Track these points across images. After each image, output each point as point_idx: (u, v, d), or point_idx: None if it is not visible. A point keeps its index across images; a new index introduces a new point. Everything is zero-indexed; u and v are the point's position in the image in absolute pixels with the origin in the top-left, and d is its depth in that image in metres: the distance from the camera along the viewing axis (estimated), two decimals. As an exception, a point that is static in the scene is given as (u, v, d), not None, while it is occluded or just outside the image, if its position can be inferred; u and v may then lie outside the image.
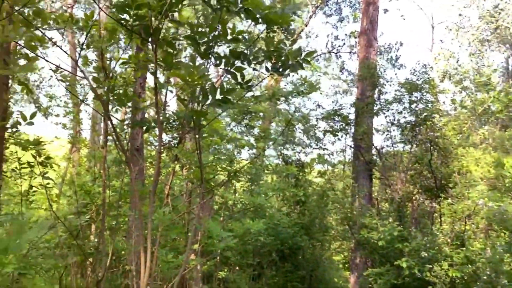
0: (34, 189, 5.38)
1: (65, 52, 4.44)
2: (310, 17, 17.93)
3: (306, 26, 18.12)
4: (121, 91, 4.43)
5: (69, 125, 14.07)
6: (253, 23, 3.45)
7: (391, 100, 11.43)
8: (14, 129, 5.10)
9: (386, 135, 11.88)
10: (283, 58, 3.14)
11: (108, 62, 5.07)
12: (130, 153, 5.22)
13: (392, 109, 11.51)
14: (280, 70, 3.27)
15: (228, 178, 6.66)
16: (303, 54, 3.14)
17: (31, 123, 4.69)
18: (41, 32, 3.67)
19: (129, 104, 5.04)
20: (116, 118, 5.38)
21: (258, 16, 3.16)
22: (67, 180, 12.59)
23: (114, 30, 3.79)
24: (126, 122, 6.72)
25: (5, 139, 4.94)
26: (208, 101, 3.09)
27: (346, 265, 13.35)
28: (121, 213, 6.31)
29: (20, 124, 4.80)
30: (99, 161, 10.41)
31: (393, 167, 11.69)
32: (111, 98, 4.02)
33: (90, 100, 14.47)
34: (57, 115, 12.89)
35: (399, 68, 13.46)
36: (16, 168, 4.84)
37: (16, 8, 3.46)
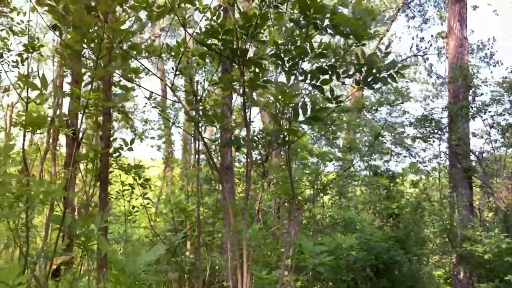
0: (135, 209, 5.78)
1: (160, 79, 4.73)
2: (392, 21, 17.32)
3: (388, 31, 17.54)
4: (210, 113, 4.63)
5: (163, 147, 15.00)
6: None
7: (488, 102, 10.56)
8: (117, 154, 5.54)
9: (486, 139, 10.97)
10: (374, 71, 3.05)
11: (197, 85, 5.33)
12: (221, 171, 5.39)
13: (490, 111, 10.63)
14: (371, 83, 3.17)
15: (317, 193, 6.57)
16: (397, 67, 3.03)
17: (131, 149, 5.07)
18: (139, 62, 3.97)
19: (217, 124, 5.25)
20: (208, 139, 5.59)
21: (346, 31, 3.12)
22: (162, 199, 13.33)
23: (203, 55, 3.96)
24: (217, 142, 6.97)
25: (110, 164, 5.37)
26: (299, 119, 3.09)
27: (448, 281, 12.44)
28: (215, 230, 6.51)
29: (122, 149, 5.21)
30: (192, 179, 10.90)
31: (496, 173, 10.75)
32: (202, 119, 4.20)
33: (181, 122, 15.33)
34: (152, 138, 13.80)
35: (494, 66, 12.45)
36: (119, 190, 5.24)
37: (114, 44, 3.78)
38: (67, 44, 3.25)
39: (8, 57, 5.49)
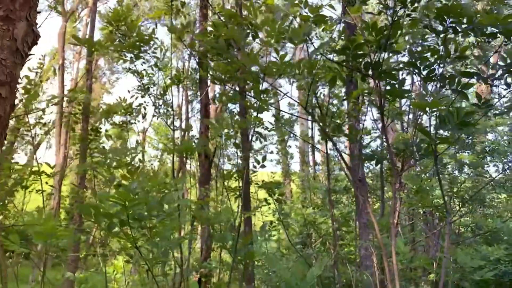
0: (273, 224, 6.02)
1: (295, 100, 4.89)
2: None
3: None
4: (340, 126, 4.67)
5: (281, 160, 15.41)
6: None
7: None
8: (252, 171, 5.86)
9: None
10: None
11: (316, 99, 5.40)
12: (354, 183, 5.36)
13: None
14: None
15: (462, 203, 6.15)
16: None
17: (263, 166, 5.34)
18: (274, 87, 4.20)
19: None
20: (346, 153, 5.62)
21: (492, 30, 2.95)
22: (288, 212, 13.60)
23: (334, 77, 4.02)
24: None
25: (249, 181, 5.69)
26: (449, 126, 2.96)
27: None
28: (348, 243, 6.45)
29: (255, 167, 5.51)
30: (314, 191, 10.96)
31: None
32: (336, 133, 4.26)
33: (297, 136, 15.61)
34: (271, 152, 14.24)
35: None
36: (258, 206, 5.52)
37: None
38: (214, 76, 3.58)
39: (153, 90, 6.18)
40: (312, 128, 14.00)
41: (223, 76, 3.66)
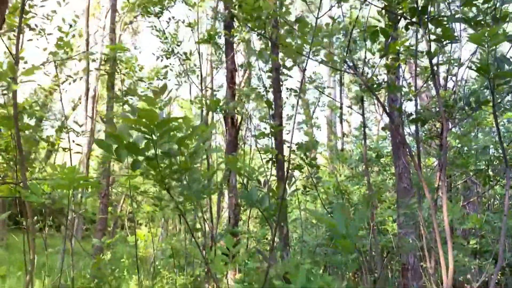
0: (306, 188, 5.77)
1: (328, 59, 4.61)
2: None
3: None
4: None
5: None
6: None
7: None
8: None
9: None
10: None
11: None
12: (394, 146, 5.03)
13: None
14: None
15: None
16: None
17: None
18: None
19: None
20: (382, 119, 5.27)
21: None
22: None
23: (376, 31, 3.65)
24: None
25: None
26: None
27: None
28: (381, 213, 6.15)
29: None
30: (343, 162, 10.59)
31: None
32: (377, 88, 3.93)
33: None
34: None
35: None
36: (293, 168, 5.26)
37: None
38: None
39: (177, 52, 5.92)
40: (340, 96, 13.57)
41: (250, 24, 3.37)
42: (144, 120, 1.72)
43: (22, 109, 3.70)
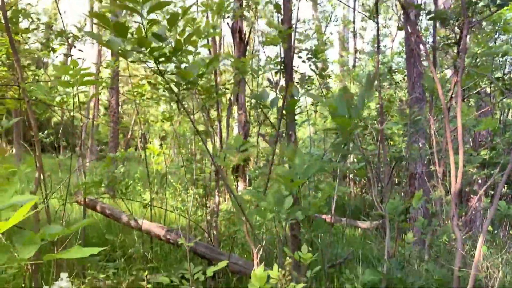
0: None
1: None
2: None
3: None
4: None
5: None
6: None
7: None
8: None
9: None
10: None
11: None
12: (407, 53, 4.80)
13: None
14: None
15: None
16: None
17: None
18: None
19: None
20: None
21: None
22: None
23: None
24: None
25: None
26: None
27: None
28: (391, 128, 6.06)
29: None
30: (354, 78, 10.35)
31: None
32: None
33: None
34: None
35: None
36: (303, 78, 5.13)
37: None
38: None
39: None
40: (354, 6, 12.90)
41: None
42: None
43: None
